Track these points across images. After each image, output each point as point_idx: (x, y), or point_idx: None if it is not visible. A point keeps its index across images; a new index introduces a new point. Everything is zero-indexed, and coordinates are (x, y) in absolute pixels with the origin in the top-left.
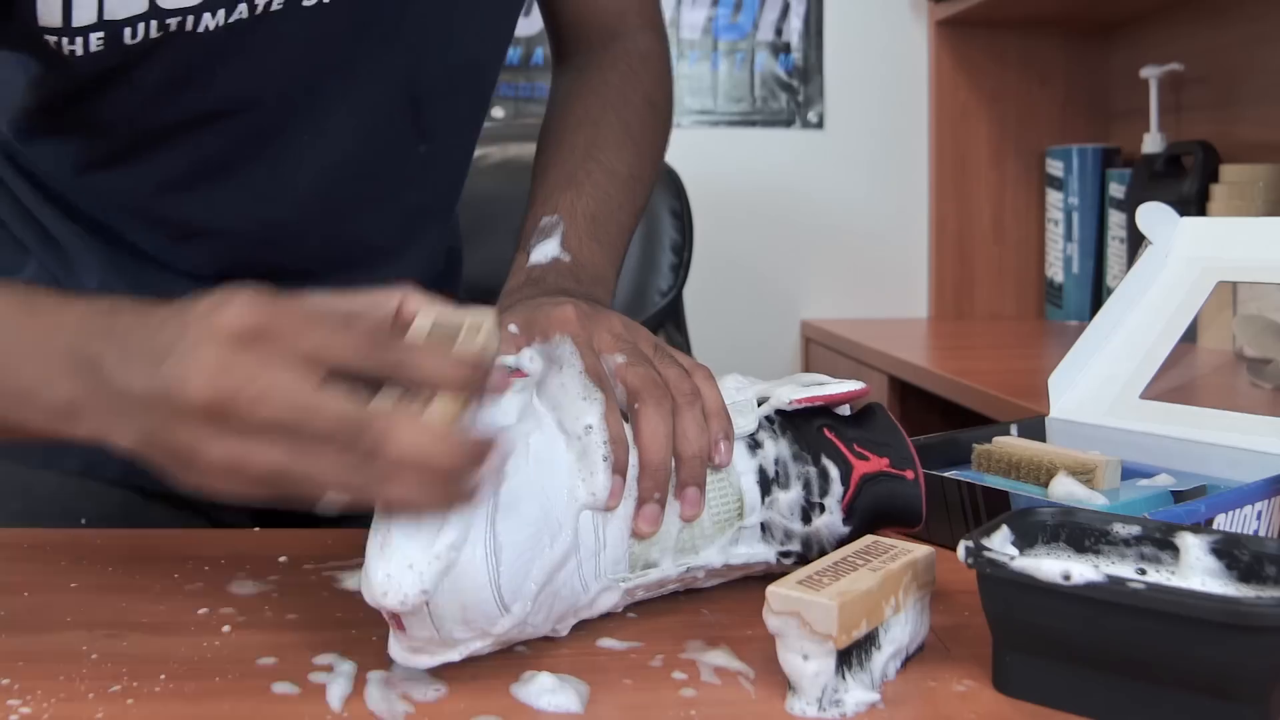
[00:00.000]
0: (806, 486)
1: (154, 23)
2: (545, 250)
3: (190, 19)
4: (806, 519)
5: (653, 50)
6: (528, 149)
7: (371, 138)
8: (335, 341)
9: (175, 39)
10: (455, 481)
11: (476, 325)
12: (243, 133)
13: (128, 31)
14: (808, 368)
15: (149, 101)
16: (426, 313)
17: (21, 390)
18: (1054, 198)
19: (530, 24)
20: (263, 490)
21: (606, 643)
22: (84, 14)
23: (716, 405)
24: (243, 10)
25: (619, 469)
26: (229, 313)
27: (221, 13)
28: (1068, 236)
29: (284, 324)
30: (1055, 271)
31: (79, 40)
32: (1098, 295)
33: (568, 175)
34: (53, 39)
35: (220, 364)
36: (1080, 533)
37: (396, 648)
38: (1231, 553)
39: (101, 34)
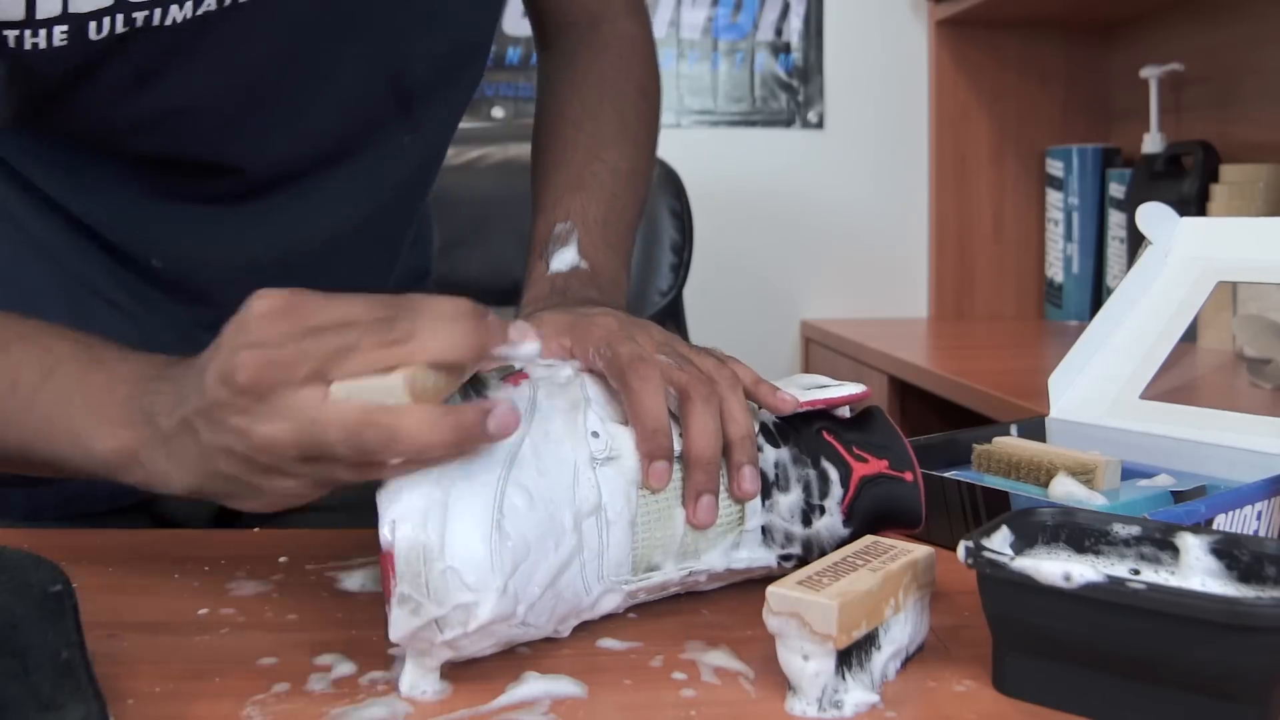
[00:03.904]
0: (806, 489)
1: (120, 17)
2: (564, 258)
3: (158, 12)
4: (807, 521)
5: (639, 35)
6: (528, 149)
7: (356, 133)
8: (356, 309)
9: (142, 34)
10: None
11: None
12: (214, 133)
13: (93, 26)
14: (808, 368)
15: (115, 100)
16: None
17: (76, 435)
18: (1054, 198)
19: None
20: (338, 470)
21: (606, 643)
22: (48, 6)
23: (754, 377)
24: (210, 1)
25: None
26: (253, 302)
27: (190, 4)
28: (1068, 236)
29: (307, 299)
30: (1055, 271)
31: (42, 33)
32: (1098, 295)
33: (575, 177)
34: (13, 33)
35: (255, 338)
36: (1080, 533)
37: (396, 647)
38: (1231, 553)
39: (66, 28)
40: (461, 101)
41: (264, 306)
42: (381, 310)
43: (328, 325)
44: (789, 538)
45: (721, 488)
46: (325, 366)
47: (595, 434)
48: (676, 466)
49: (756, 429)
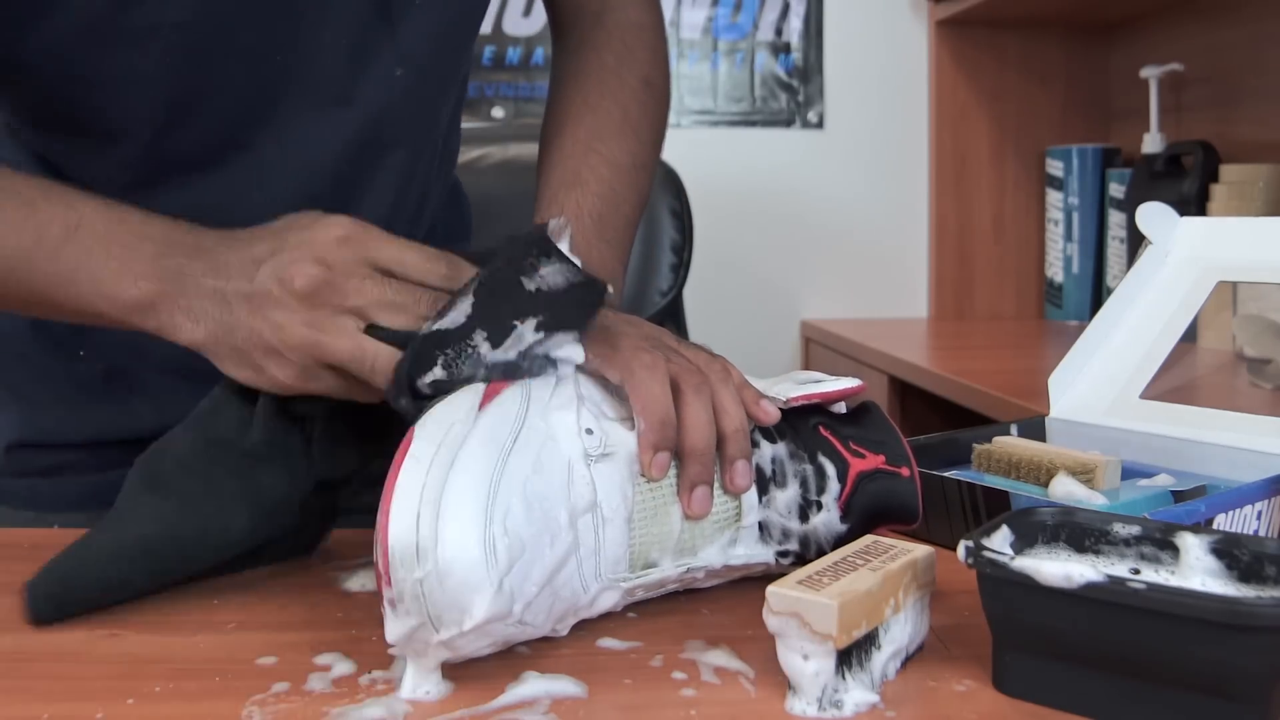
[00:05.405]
0: (804, 485)
1: None
2: None
3: None
4: (804, 517)
5: (645, 22)
6: (528, 149)
7: (348, 61)
8: (410, 255)
9: None
10: None
11: None
12: (208, 62)
13: None
14: (807, 367)
15: (91, 25)
16: None
17: (102, 282)
18: (1054, 198)
19: (530, 24)
20: (324, 381)
21: (606, 643)
22: None
23: (741, 379)
24: None
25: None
26: (321, 224)
27: None
28: (1068, 236)
29: (370, 232)
30: (1055, 271)
31: None
32: (1098, 295)
33: (571, 172)
34: None
35: (322, 255)
36: (1080, 533)
37: (395, 647)
38: (1231, 553)
39: None
40: (453, 37)
41: (334, 231)
42: (443, 267)
43: (383, 264)
44: (786, 534)
45: (717, 483)
46: (369, 310)
47: (590, 431)
48: (673, 461)
49: (751, 424)
